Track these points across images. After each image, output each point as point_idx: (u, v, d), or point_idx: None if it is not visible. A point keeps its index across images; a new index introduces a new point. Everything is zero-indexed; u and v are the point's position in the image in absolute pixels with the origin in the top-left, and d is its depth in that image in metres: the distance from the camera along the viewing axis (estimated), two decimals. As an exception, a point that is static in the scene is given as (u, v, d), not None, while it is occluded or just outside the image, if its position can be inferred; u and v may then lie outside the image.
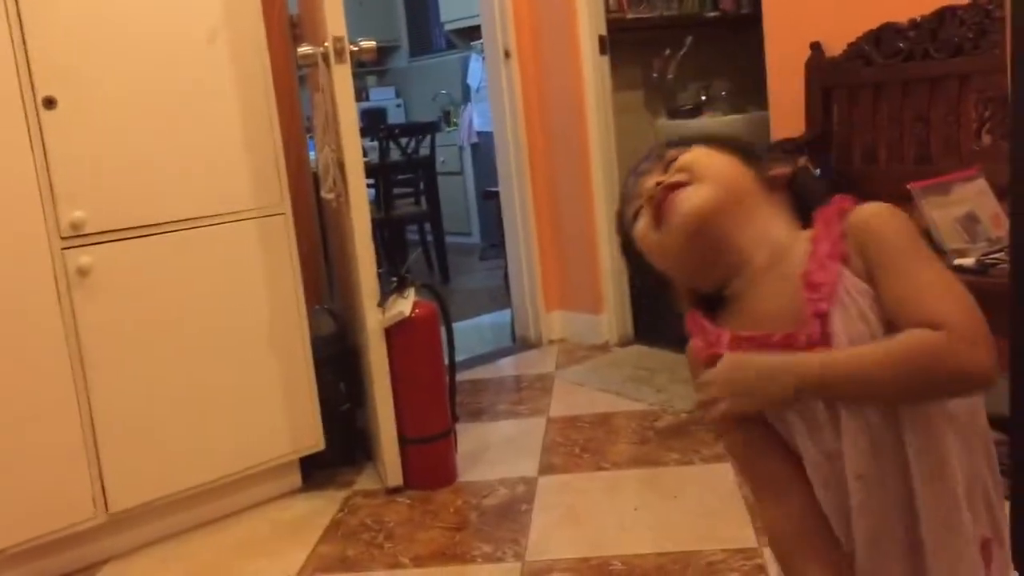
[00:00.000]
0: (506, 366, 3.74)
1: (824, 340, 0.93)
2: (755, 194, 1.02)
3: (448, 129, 7.07)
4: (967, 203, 2.21)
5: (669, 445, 2.71)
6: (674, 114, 4.04)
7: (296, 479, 2.63)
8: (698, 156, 1.03)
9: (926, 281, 0.90)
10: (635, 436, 2.82)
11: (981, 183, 2.21)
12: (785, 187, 1.05)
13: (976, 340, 0.87)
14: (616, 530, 2.25)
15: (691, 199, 1.00)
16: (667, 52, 3.98)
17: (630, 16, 3.87)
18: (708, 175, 1.01)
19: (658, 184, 1.02)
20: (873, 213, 0.95)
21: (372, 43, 2.50)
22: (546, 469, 2.64)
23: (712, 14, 4.20)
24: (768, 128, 2.97)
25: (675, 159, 1.04)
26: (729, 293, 1.03)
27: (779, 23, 2.92)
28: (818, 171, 2.56)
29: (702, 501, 2.32)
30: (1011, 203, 1.48)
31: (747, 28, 3.31)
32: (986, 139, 2.40)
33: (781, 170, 1.05)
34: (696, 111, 4.01)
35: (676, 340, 3.57)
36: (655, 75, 4.04)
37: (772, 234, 1.01)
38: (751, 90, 3.63)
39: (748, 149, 1.06)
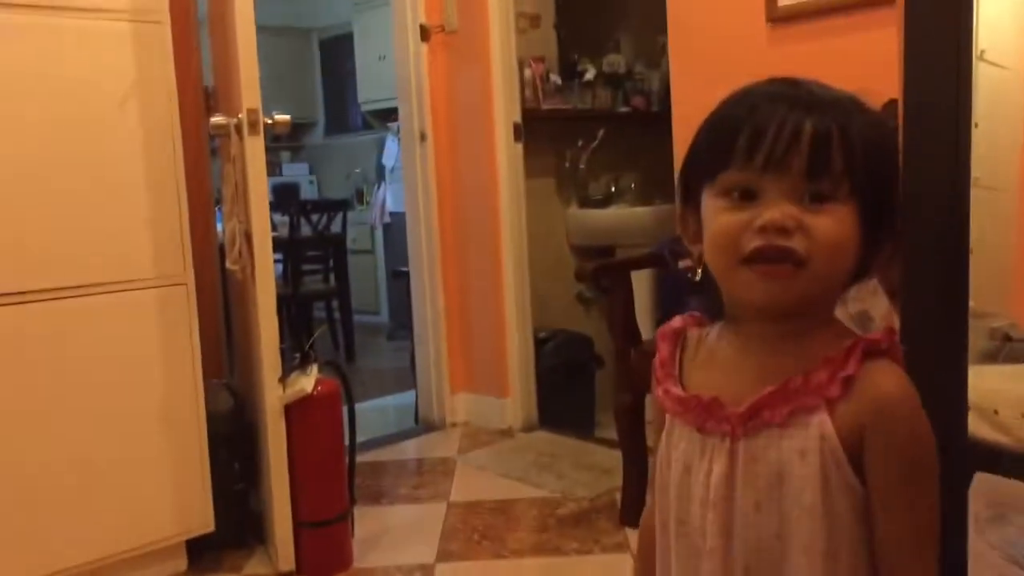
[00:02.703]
0: (408, 448, 3.67)
1: (737, 432, 0.85)
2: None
3: (360, 208, 7.06)
4: (861, 302, 2.29)
5: (569, 534, 2.68)
6: (584, 203, 4.11)
7: (182, 562, 2.50)
8: (835, 235, 0.82)
9: (911, 528, 0.81)
10: (535, 523, 2.78)
11: (874, 284, 2.29)
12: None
13: None
14: (513, 621, 2.20)
15: (790, 288, 0.83)
16: (580, 143, 4.06)
17: (545, 107, 3.95)
18: (824, 260, 0.82)
19: (778, 224, 0.82)
20: (898, 400, 0.81)
21: (287, 117, 2.49)
22: (444, 556, 2.58)
23: (624, 110, 4.32)
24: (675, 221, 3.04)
25: (821, 194, 0.83)
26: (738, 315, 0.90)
27: (686, 122, 3.02)
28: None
29: (601, 592, 2.29)
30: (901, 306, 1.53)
31: (656, 124, 3.41)
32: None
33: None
34: (606, 201, 4.10)
35: (580, 427, 3.63)
36: (567, 164, 4.12)
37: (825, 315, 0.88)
38: (659, 182, 3.72)
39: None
